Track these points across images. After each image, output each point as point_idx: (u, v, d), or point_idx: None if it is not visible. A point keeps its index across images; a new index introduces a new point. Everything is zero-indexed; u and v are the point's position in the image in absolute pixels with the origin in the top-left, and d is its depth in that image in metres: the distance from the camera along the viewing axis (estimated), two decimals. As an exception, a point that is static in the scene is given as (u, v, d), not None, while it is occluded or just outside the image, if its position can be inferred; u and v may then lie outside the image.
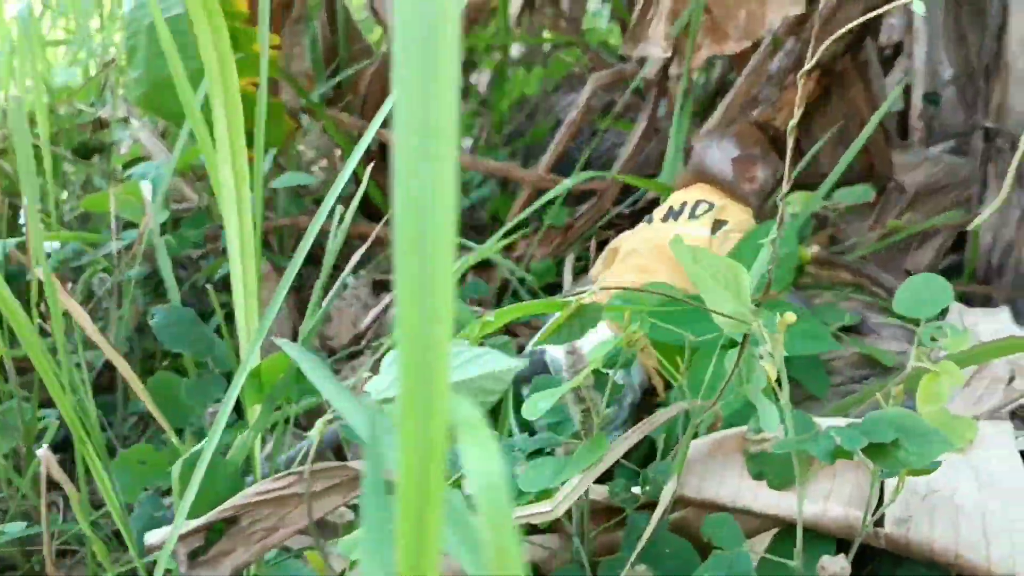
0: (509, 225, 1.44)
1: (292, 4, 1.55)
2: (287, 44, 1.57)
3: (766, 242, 1.03)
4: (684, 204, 1.25)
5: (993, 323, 0.92)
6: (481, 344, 0.54)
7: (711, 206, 1.23)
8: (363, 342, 1.35)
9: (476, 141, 2.74)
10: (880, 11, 0.78)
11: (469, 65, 2.92)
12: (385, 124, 1.85)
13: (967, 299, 1.68)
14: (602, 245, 1.82)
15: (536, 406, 0.62)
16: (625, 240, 1.29)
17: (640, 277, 1.18)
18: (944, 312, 1.02)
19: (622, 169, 1.71)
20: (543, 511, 0.58)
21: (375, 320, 1.34)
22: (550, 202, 1.93)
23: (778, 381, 0.64)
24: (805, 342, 0.89)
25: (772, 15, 1.37)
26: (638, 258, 1.21)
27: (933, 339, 0.75)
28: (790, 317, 0.57)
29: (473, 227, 2.41)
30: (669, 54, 1.32)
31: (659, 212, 1.28)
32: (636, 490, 0.76)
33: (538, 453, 0.68)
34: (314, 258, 1.93)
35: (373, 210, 1.86)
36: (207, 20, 0.70)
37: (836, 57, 1.65)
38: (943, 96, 2.00)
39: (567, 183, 1.59)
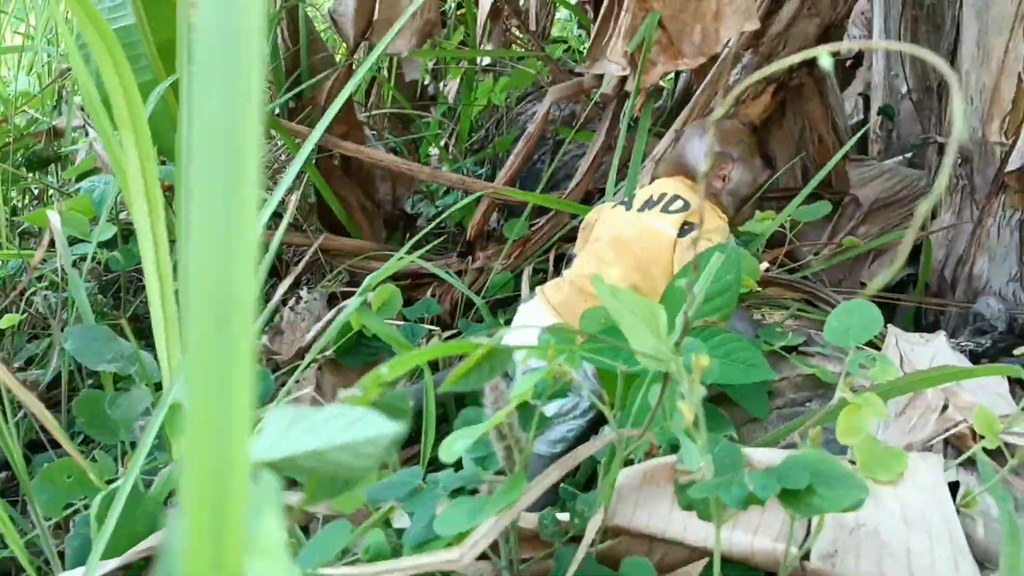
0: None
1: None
2: (241, 56, 1.55)
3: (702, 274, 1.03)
4: (663, 196, 1.23)
5: (929, 349, 0.92)
6: (392, 387, 0.53)
7: (686, 205, 1.21)
8: (306, 357, 1.33)
9: (445, 148, 2.74)
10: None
11: (438, 73, 2.91)
12: (346, 136, 1.82)
13: (920, 312, 1.69)
14: (560, 257, 1.82)
15: (451, 448, 0.62)
16: (600, 218, 1.29)
17: (598, 268, 1.18)
18: (882, 336, 1.02)
19: (581, 182, 1.71)
20: (450, 558, 0.57)
21: (320, 334, 1.32)
22: (510, 215, 1.92)
23: (704, 416, 0.64)
24: (740, 371, 0.88)
25: (726, 32, 1.37)
26: (600, 247, 1.21)
27: (862, 367, 0.75)
28: (703, 360, 0.57)
29: (438, 234, 2.41)
30: (627, 72, 1.31)
31: (640, 198, 1.26)
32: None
33: (461, 491, 0.68)
34: (275, 272, 1.92)
35: (336, 223, 1.85)
36: (106, 50, 0.68)
37: (792, 71, 1.65)
38: (901, 109, 2.02)
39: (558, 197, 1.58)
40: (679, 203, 1.21)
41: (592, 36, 1.34)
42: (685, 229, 1.19)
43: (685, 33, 1.36)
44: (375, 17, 1.51)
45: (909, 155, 1.92)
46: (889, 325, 1.03)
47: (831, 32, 1.68)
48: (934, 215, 1.66)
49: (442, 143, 2.69)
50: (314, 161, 1.83)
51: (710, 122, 1.36)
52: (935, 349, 0.91)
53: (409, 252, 2.05)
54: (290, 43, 1.97)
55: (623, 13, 1.30)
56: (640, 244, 1.19)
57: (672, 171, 1.31)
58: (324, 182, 1.72)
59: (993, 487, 0.69)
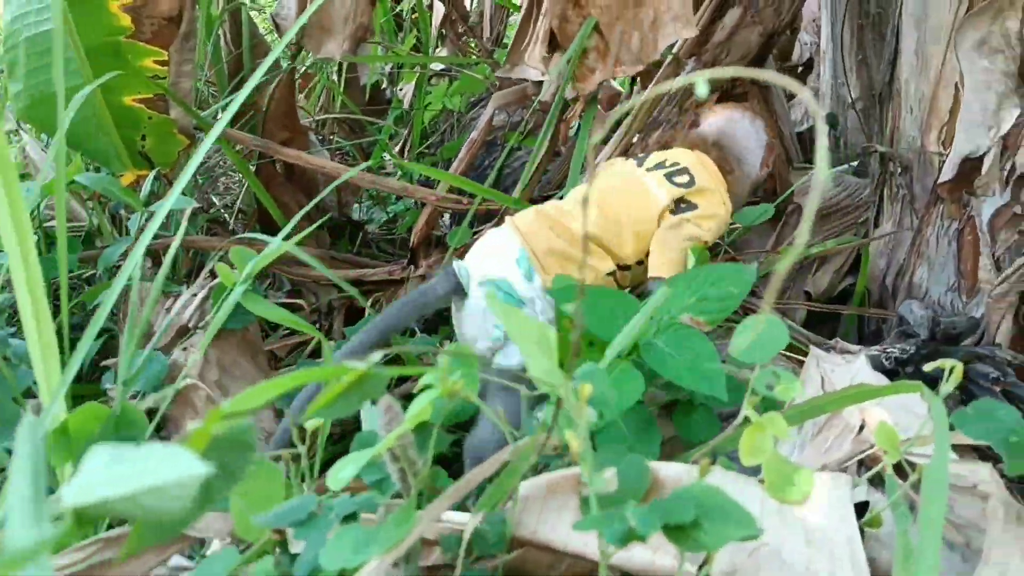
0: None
1: (180, 19, 1.50)
2: (176, 60, 1.52)
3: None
4: (675, 164, 1.19)
5: (849, 370, 0.91)
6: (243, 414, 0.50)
7: (691, 181, 1.16)
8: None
9: (401, 152, 2.71)
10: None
11: (394, 77, 2.88)
12: (288, 142, 1.79)
13: (864, 321, 1.69)
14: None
15: (338, 476, 0.60)
16: (607, 167, 1.24)
17: (574, 204, 1.14)
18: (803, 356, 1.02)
19: (527, 188, 1.70)
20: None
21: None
22: (456, 222, 1.90)
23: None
24: (696, 379, 0.86)
25: (664, 39, 1.36)
26: (591, 189, 1.14)
27: (768, 387, 0.74)
28: (586, 390, 0.55)
29: (390, 240, 2.38)
30: (545, 77, 1.30)
31: (653, 159, 1.21)
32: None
33: (355, 516, 0.66)
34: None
35: (278, 229, 1.81)
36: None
37: (735, 80, 1.64)
38: (848, 117, 2.02)
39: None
40: (685, 178, 1.17)
41: (512, 40, 1.33)
42: (681, 207, 1.15)
43: (623, 40, 1.35)
44: (306, 22, 1.49)
45: (854, 164, 1.92)
46: (812, 346, 1.03)
47: (774, 40, 1.68)
48: (876, 223, 1.67)
49: (395, 148, 2.66)
50: (254, 167, 1.80)
51: (751, 108, 1.34)
52: (855, 369, 0.91)
53: (355, 256, 2.02)
54: (232, 46, 1.94)
55: (541, 18, 1.29)
56: (628, 196, 1.15)
57: (697, 145, 1.26)
58: (263, 188, 1.69)
59: (895, 505, 0.68)
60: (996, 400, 1.19)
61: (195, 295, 1.11)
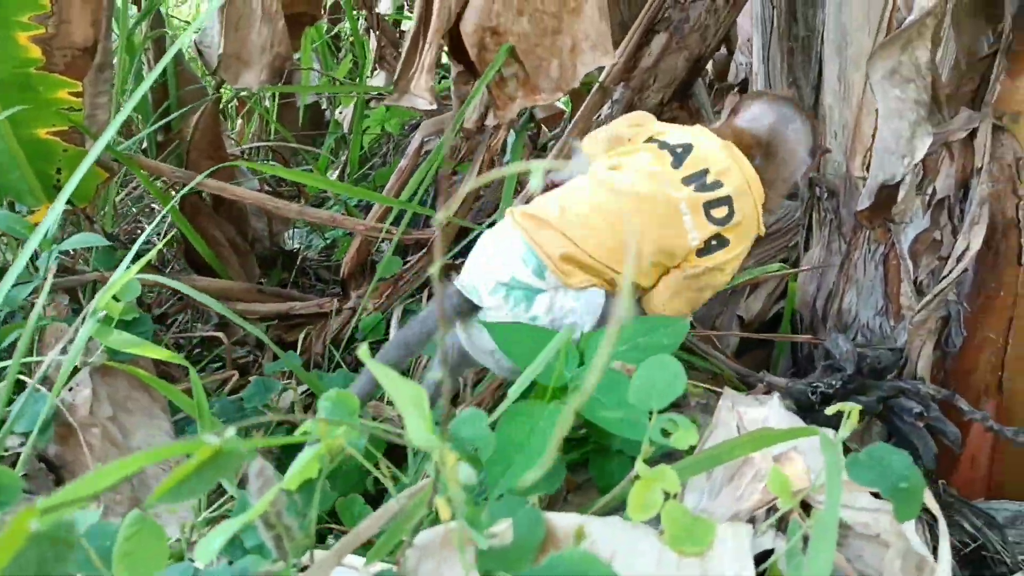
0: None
1: (95, 49, 1.46)
2: (91, 92, 1.48)
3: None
4: (717, 184, 1.01)
5: (761, 412, 0.90)
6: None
7: (730, 215, 1.00)
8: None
9: (340, 175, 2.69)
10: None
11: (333, 100, 2.85)
12: (215, 174, 1.75)
13: (797, 348, 1.69)
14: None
15: (207, 548, 0.57)
16: (638, 140, 1.08)
17: (610, 195, 1.00)
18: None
19: (456, 215, 1.68)
20: None
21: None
22: (381, 252, 1.88)
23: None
24: (613, 422, 0.84)
25: (583, 66, 1.35)
26: (615, 178, 1.01)
27: (665, 433, 0.72)
28: (450, 457, 0.53)
29: (328, 267, 2.34)
30: (435, 106, 1.29)
31: (692, 163, 1.02)
32: None
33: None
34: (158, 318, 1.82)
35: (200, 261, 1.77)
36: None
37: (663, 104, 1.64)
38: (782, 139, 2.03)
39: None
40: (724, 210, 1.01)
41: (399, 69, 1.31)
42: (712, 244, 1.02)
43: (542, 68, 1.33)
44: (222, 52, 1.46)
45: (787, 186, 1.93)
46: (725, 387, 1.02)
47: (700, 64, 1.68)
48: (806, 247, 1.67)
49: (335, 171, 2.63)
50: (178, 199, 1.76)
51: (796, 101, 1.19)
52: (767, 411, 0.90)
53: (283, 288, 1.98)
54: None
55: (427, 47, 1.27)
56: (656, 219, 1.00)
57: (736, 139, 1.09)
58: (186, 221, 1.65)
59: (790, 555, 0.67)
60: (914, 435, 1.20)
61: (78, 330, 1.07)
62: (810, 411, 1.21)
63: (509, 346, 0.98)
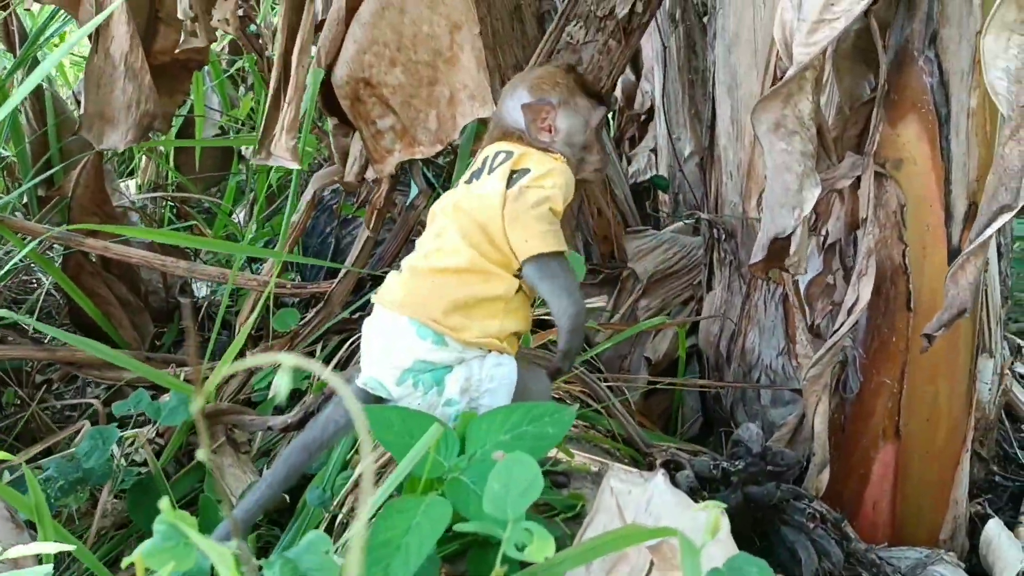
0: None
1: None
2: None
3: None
4: (485, 160, 1.10)
5: (646, 492, 0.87)
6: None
7: (509, 155, 1.08)
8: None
9: (249, 211, 2.62)
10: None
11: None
12: (94, 233, 1.66)
13: (705, 391, 1.68)
14: (338, 349, 1.72)
15: None
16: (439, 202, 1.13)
17: (436, 239, 1.06)
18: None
19: (353, 266, 1.63)
20: None
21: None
22: (279, 306, 1.81)
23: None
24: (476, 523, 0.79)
25: (462, 118, 1.31)
26: (436, 222, 1.08)
27: (519, 547, 0.68)
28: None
29: (237, 311, 2.27)
30: (299, 166, 1.25)
31: (466, 174, 1.12)
32: None
33: None
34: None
35: (88, 322, 1.69)
36: None
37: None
38: (686, 170, 2.03)
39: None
40: (502, 156, 1.09)
41: (262, 128, 1.27)
42: (514, 178, 1.06)
43: (419, 120, 1.29)
44: (83, 111, 1.39)
45: (691, 220, 1.93)
46: (612, 465, 0.99)
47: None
48: (709, 286, 1.66)
49: (241, 211, 2.56)
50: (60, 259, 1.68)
51: (519, 76, 1.23)
52: (651, 491, 0.86)
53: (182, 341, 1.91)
54: (36, 125, 1.81)
55: (286, 106, 1.23)
56: (476, 209, 1.05)
57: (497, 138, 1.16)
58: (70, 281, 1.57)
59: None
60: (799, 544, 1.21)
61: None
62: (711, 483, 1.21)
63: (380, 431, 0.94)
